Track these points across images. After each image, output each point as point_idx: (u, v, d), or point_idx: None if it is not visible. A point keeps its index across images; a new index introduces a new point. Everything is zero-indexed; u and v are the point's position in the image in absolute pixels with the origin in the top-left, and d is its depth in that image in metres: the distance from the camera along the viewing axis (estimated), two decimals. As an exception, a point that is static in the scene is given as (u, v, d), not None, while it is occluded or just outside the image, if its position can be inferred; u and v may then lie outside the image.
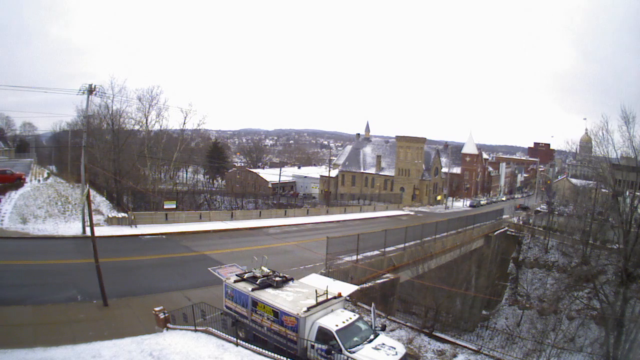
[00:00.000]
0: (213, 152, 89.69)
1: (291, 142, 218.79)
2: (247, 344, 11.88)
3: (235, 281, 13.40)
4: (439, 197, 75.80)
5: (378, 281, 21.36)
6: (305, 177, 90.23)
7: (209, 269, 16.17)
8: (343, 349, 10.80)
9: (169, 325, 13.22)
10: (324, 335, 11.23)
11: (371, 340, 11.51)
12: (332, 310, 12.14)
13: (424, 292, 21.38)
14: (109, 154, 42.07)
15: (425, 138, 74.08)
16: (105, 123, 45.40)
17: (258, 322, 12.52)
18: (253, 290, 12.73)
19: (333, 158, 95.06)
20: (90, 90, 24.11)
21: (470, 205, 74.63)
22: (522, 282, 39.46)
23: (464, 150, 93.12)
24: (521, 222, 49.17)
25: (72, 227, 25.50)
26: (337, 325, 11.30)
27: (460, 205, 76.39)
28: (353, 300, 17.53)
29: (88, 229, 20.46)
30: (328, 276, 17.49)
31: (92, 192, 33.98)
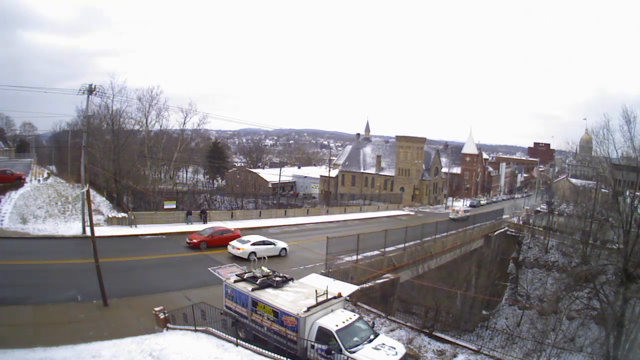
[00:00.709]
0: (213, 152, 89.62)
1: (291, 142, 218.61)
2: (247, 344, 11.88)
3: (235, 281, 13.41)
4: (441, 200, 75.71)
5: (378, 281, 21.35)
6: (305, 177, 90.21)
7: (209, 269, 16.23)
8: (343, 349, 10.80)
9: (169, 325, 13.22)
10: (324, 335, 11.23)
11: (371, 340, 11.51)
12: (332, 310, 12.15)
13: (424, 292, 21.37)
14: (109, 154, 42.03)
15: (425, 138, 74.08)
16: (105, 123, 45.40)
17: (258, 322, 12.52)
18: (253, 290, 12.74)
19: (333, 158, 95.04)
20: (90, 90, 24.07)
21: (470, 205, 74.58)
22: (522, 282, 39.42)
23: (464, 150, 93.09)
24: (521, 222, 49.15)
25: (72, 227, 25.50)
26: (337, 325, 11.30)
27: (460, 205, 76.35)
28: (353, 300, 17.52)
29: (88, 229, 20.45)
30: (328, 276, 17.51)
31: (92, 192, 33.97)
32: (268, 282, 13.19)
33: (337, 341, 10.94)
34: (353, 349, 10.93)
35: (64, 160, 53.34)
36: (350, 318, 11.91)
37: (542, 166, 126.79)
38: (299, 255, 23.61)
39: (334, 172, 79.81)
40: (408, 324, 17.08)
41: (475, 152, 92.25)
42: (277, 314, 11.84)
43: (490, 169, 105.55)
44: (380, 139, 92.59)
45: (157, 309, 13.27)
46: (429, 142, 78.81)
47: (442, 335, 16.21)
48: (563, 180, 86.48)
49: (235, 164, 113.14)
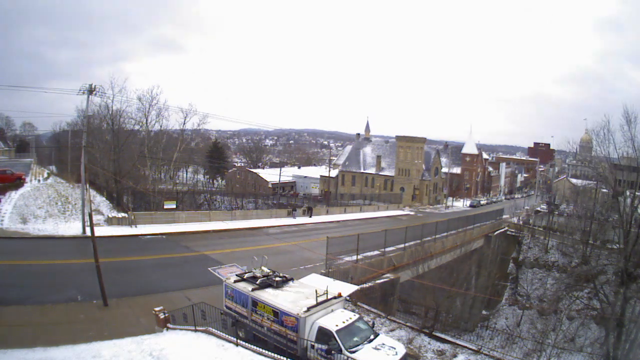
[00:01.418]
0: (213, 152, 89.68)
1: (291, 142, 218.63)
2: (247, 344, 11.87)
3: (235, 281, 13.40)
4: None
5: (378, 281, 21.34)
6: (305, 177, 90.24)
7: (209, 269, 16.18)
8: (343, 349, 10.79)
9: (169, 325, 13.21)
10: (324, 335, 11.22)
11: (371, 340, 11.50)
12: (332, 310, 12.14)
13: (424, 292, 21.36)
14: (109, 154, 42.02)
15: (425, 138, 74.09)
16: (105, 123, 45.38)
17: (258, 322, 12.51)
18: (253, 290, 12.73)
19: (333, 158, 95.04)
20: (90, 90, 24.08)
21: (470, 205, 74.58)
22: (522, 282, 39.42)
23: (464, 150, 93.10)
24: (521, 222, 49.15)
25: (72, 227, 25.49)
26: (337, 326, 11.30)
27: (460, 205, 76.38)
28: (353, 300, 17.52)
29: (88, 229, 20.44)
30: (328, 276, 17.51)
31: (92, 192, 34.02)
32: (268, 282, 13.18)
33: (337, 341, 10.93)
34: (353, 349, 10.92)
35: (64, 160, 53.37)
36: (350, 318, 11.91)
37: (542, 166, 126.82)
38: (299, 255, 23.60)
39: (334, 172, 79.82)
40: (408, 324, 17.08)
41: (475, 152, 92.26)
42: (277, 314, 11.84)
43: (490, 169, 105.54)
44: (380, 139, 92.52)
45: (157, 309, 13.26)
46: (429, 142, 78.82)
47: (442, 335, 16.21)
48: (563, 180, 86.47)
49: (235, 164, 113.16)
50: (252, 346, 11.76)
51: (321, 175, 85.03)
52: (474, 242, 37.65)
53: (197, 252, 23.44)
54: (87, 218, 20.83)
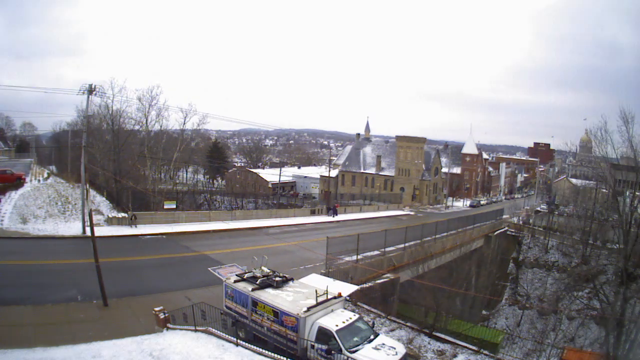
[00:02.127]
0: (213, 152, 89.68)
1: (291, 142, 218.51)
2: (247, 344, 11.88)
3: (235, 281, 13.40)
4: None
5: (378, 281, 21.35)
6: (305, 177, 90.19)
7: (209, 269, 16.19)
8: (343, 349, 10.80)
9: (169, 325, 13.21)
10: (324, 335, 11.23)
11: (371, 340, 11.51)
12: (332, 310, 12.14)
13: (424, 292, 21.37)
14: (109, 154, 42.08)
15: (425, 138, 74.08)
16: (105, 123, 45.42)
17: (258, 322, 12.52)
18: (253, 290, 12.74)
19: (333, 158, 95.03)
20: (90, 90, 24.08)
21: (470, 205, 74.55)
22: (522, 282, 39.46)
23: (464, 150, 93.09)
24: (521, 222, 49.17)
25: (72, 227, 25.49)
26: (337, 325, 11.30)
27: (460, 205, 76.37)
28: (353, 300, 17.52)
29: (88, 229, 20.45)
30: (328, 276, 17.50)
31: (92, 192, 34.03)
32: (268, 282, 13.18)
33: (337, 341, 10.94)
34: (353, 349, 10.93)
35: (64, 160, 53.40)
36: (350, 318, 11.91)
37: (542, 166, 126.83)
38: (299, 255, 23.59)
39: (334, 172, 79.78)
40: (408, 324, 17.08)
41: (475, 152, 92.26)
42: (277, 314, 11.84)
43: (490, 169, 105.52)
44: (380, 139, 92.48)
45: (157, 309, 13.27)
46: (429, 142, 78.78)
47: (442, 335, 16.22)
48: (563, 180, 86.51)
49: (235, 164, 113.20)
50: (252, 346, 11.77)
51: (321, 175, 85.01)
52: (474, 242, 37.65)
53: (197, 252, 23.43)
54: (87, 218, 20.87)
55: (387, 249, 24.78)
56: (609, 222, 33.52)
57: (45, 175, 38.08)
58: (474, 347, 15.37)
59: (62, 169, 52.00)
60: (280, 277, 13.65)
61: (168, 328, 13.13)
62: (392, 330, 16.17)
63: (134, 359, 11.06)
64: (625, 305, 23.97)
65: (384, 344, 11.40)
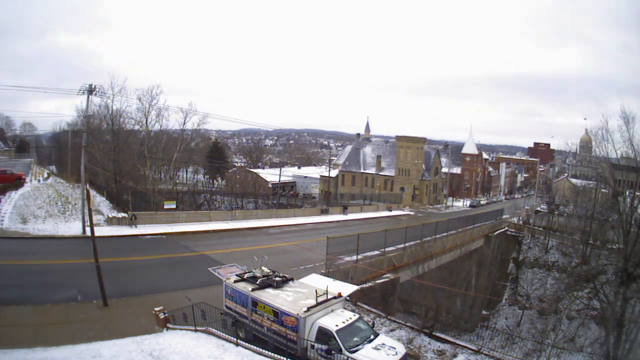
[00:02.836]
0: (213, 152, 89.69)
1: (291, 142, 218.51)
2: (247, 344, 11.88)
3: (235, 281, 13.41)
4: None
5: (378, 281, 21.36)
6: (305, 177, 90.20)
7: (209, 269, 16.21)
8: (343, 349, 10.80)
9: (169, 325, 13.22)
10: (324, 335, 11.23)
11: (371, 340, 11.51)
12: (332, 310, 12.15)
13: (424, 292, 21.35)
14: (109, 154, 42.09)
15: (425, 138, 74.12)
16: (105, 123, 45.45)
17: (258, 322, 12.52)
18: (253, 290, 12.74)
19: (333, 158, 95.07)
20: (90, 90, 24.10)
21: (470, 205, 74.60)
22: (522, 282, 39.43)
23: (464, 150, 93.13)
24: (521, 222, 49.17)
25: (72, 227, 25.51)
26: (337, 326, 11.30)
27: (460, 205, 76.40)
28: (353, 300, 17.53)
29: (88, 229, 20.45)
30: (328, 276, 17.49)
31: (92, 192, 34.01)
32: (268, 282, 13.19)
33: (337, 341, 10.94)
34: (353, 349, 10.93)
35: (64, 160, 53.43)
36: (350, 318, 11.92)
37: (542, 166, 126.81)
38: (299, 255, 23.60)
39: (334, 172, 79.82)
40: (408, 324, 17.08)
41: (475, 152, 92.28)
42: (277, 314, 11.85)
43: (490, 169, 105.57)
44: (380, 139, 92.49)
45: (157, 309, 13.27)
46: (429, 142, 78.81)
47: (442, 335, 16.22)
48: (563, 180, 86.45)
49: (235, 164, 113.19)
50: (252, 346, 11.77)
51: (321, 175, 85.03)
52: (474, 242, 37.67)
53: (197, 252, 23.45)
54: (87, 218, 20.87)
55: (387, 249, 24.81)
56: (609, 222, 33.50)
57: (45, 175, 38.12)
58: (473, 347, 15.37)
59: (62, 169, 52.07)
60: (280, 277, 13.65)
61: (168, 328, 13.13)
62: (392, 330, 16.18)
63: (134, 359, 11.06)
64: (625, 305, 23.95)
65: (384, 344, 11.40)
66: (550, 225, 45.58)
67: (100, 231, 22.70)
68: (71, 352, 11.15)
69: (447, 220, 33.81)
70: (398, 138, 75.09)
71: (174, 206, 33.25)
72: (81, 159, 25.61)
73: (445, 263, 30.13)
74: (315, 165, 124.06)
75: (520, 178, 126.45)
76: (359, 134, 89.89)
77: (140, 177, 45.55)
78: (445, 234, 31.89)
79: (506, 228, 46.19)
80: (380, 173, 78.11)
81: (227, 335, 12.37)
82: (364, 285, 19.43)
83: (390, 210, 56.96)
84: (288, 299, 12.27)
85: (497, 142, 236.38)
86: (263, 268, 14.16)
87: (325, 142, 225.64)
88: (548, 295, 35.42)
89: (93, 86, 24.21)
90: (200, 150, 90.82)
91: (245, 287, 12.92)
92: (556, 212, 51.31)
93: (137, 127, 45.84)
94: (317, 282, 14.58)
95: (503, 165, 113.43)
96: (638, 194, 27.22)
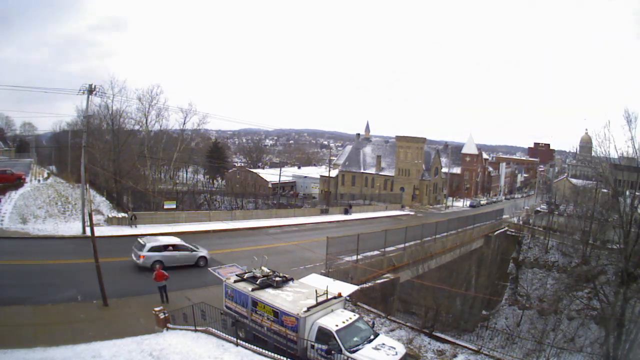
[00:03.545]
0: (213, 152, 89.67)
1: (291, 142, 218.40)
2: (247, 344, 11.88)
3: (235, 281, 13.41)
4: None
5: (378, 281, 21.36)
6: (305, 177, 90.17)
7: (209, 269, 16.20)
8: (343, 349, 10.80)
9: (169, 325, 13.21)
10: (324, 335, 11.23)
11: (371, 340, 11.51)
12: (332, 311, 12.15)
13: (424, 292, 21.35)
14: (108, 154, 42.07)
15: (425, 138, 74.10)
16: (105, 123, 45.48)
17: (258, 322, 12.52)
18: (253, 290, 12.74)
19: (333, 158, 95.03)
20: (90, 90, 24.05)
21: (470, 205, 74.60)
22: (522, 282, 39.45)
23: (464, 150, 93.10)
24: (521, 222, 49.17)
25: (72, 227, 25.48)
26: (337, 326, 11.30)
27: (460, 205, 76.39)
28: (353, 301, 17.52)
29: (88, 229, 20.44)
30: (328, 276, 17.50)
31: (92, 192, 34.00)
32: (268, 282, 13.18)
33: (337, 341, 10.94)
34: (353, 349, 10.93)
35: (64, 160, 53.40)
36: (350, 318, 11.91)
37: (542, 166, 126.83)
38: (299, 255, 23.60)
39: (334, 172, 79.80)
40: (408, 324, 17.08)
41: (475, 152, 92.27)
42: (277, 314, 11.84)
43: (490, 169, 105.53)
44: (380, 139, 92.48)
45: (157, 309, 13.27)
46: (429, 142, 78.81)
47: (442, 335, 16.22)
48: (563, 180, 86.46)
49: (235, 164, 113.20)
50: (252, 346, 11.77)
51: (321, 175, 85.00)
52: (474, 242, 37.65)
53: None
54: (87, 218, 20.84)
55: (387, 249, 24.79)
56: (609, 222, 33.51)
57: (45, 175, 38.07)
58: (473, 347, 15.37)
59: (62, 169, 52.01)
60: (280, 277, 13.65)
61: (168, 328, 13.13)
62: (392, 330, 16.17)
63: (134, 359, 11.06)
64: (625, 306, 23.96)
65: (384, 344, 11.40)
66: (550, 225, 45.62)
67: (100, 231, 22.70)
68: (71, 352, 11.14)
69: (447, 220, 33.78)
70: (398, 138, 75.09)
71: (174, 206, 33.24)
72: (81, 159, 25.57)
73: (445, 263, 30.12)
74: (315, 165, 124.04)
75: (520, 178, 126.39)
76: (359, 134, 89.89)
77: (140, 177, 45.57)
78: (445, 234, 31.87)
79: (506, 228, 46.19)
80: (380, 173, 78.10)
81: (227, 335, 12.37)
82: (364, 285, 19.42)
83: (389, 210, 56.94)
84: (288, 299, 12.27)
85: (497, 142, 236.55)
86: (263, 268, 14.15)
87: (325, 142, 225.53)
88: (548, 295, 35.43)
89: (93, 86, 24.18)
90: (200, 150, 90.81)
91: (245, 287, 12.92)
92: (556, 212, 51.34)
93: (137, 127, 45.88)
94: (317, 282, 14.58)
95: (503, 165, 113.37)
96: (638, 194, 27.21)
